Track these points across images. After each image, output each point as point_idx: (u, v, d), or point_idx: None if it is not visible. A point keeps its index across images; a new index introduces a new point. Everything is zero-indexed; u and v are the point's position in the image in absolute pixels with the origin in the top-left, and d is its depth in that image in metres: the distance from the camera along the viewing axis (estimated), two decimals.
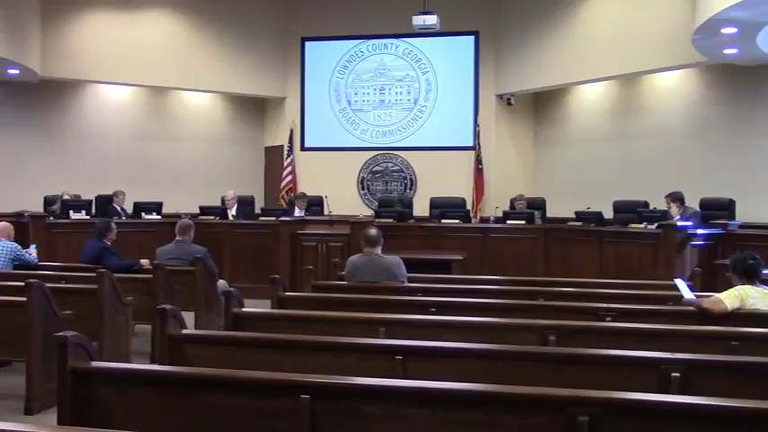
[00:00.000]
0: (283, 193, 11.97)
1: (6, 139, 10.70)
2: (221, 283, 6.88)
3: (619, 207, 8.55)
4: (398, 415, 2.48)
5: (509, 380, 2.70)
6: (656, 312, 4.41)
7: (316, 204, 10.48)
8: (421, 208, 10.87)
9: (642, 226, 7.62)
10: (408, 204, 10.75)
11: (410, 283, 5.52)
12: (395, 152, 11.97)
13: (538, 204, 10.20)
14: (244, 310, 4.09)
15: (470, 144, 11.50)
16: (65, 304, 4.81)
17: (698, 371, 2.88)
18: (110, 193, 9.84)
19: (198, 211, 9.83)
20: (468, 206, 10.85)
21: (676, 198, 7.82)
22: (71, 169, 11.03)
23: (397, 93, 11.98)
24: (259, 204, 11.78)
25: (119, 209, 9.60)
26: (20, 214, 8.33)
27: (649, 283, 6.05)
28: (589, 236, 8.22)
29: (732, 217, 8.13)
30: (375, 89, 12.06)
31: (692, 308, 4.23)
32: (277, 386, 2.60)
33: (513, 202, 10.19)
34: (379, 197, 11.68)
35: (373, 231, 5.56)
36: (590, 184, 10.59)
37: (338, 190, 11.13)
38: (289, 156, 12.08)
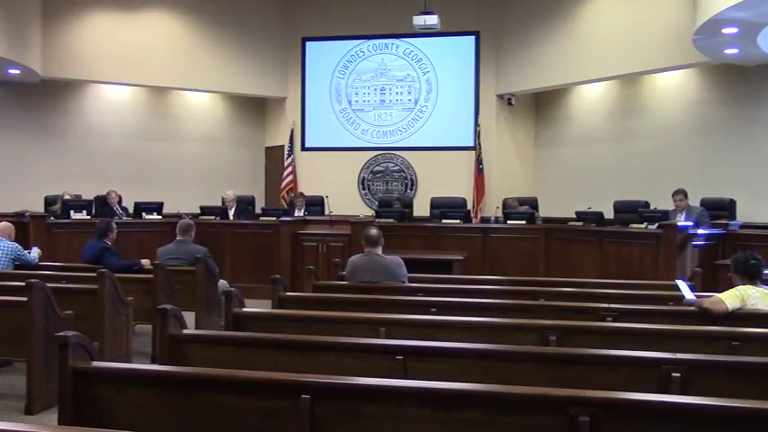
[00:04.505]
0: (284, 193, 11.97)
1: (7, 139, 10.71)
2: (222, 283, 6.88)
3: (619, 207, 8.54)
4: (399, 415, 2.48)
5: (509, 380, 2.70)
6: (657, 312, 4.41)
7: (316, 204, 10.49)
8: (421, 208, 10.88)
9: (643, 226, 7.62)
10: (408, 204, 10.75)
11: (411, 283, 5.53)
12: (395, 152, 11.97)
13: (531, 204, 10.19)
14: (244, 310, 4.09)
15: (471, 144, 11.50)
16: (65, 304, 4.81)
17: (698, 371, 2.88)
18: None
19: (198, 211, 9.84)
20: (469, 206, 10.86)
21: (686, 195, 7.87)
22: (72, 169, 11.04)
23: (397, 93, 11.99)
24: (260, 204, 11.79)
25: (115, 209, 9.60)
26: (20, 214, 8.34)
27: (650, 283, 6.06)
28: (590, 236, 8.22)
29: (733, 217, 8.13)
30: (376, 89, 12.06)
31: (692, 308, 4.23)
32: (277, 386, 2.60)
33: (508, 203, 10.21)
34: (379, 197, 11.69)
35: (374, 231, 5.56)
36: (591, 184, 10.59)
37: (339, 190, 11.14)
38: (289, 156, 12.09)
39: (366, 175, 12.11)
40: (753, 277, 4.20)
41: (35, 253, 6.65)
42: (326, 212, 10.20)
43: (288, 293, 4.91)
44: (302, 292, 5.46)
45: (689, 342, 3.52)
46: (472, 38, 11.63)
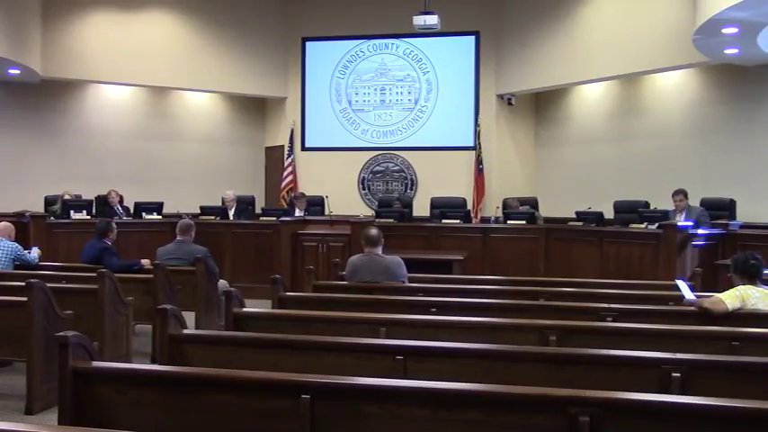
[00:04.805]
0: (284, 193, 11.98)
1: (7, 139, 10.71)
2: (222, 283, 6.88)
3: (619, 207, 8.54)
4: (399, 415, 2.48)
5: (509, 380, 2.70)
6: (657, 312, 4.41)
7: (316, 204, 10.49)
8: (421, 208, 10.88)
9: (643, 226, 7.62)
10: (407, 204, 10.75)
11: (411, 283, 5.52)
12: (395, 152, 11.98)
13: (531, 204, 10.19)
14: (244, 310, 4.09)
15: (471, 144, 11.50)
16: (65, 304, 4.81)
17: (698, 371, 2.88)
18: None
19: (198, 211, 9.84)
20: (469, 206, 10.86)
21: (686, 195, 7.88)
22: (72, 169, 11.04)
23: (397, 93, 11.99)
24: (260, 204, 11.79)
25: (116, 209, 9.60)
26: (20, 214, 8.34)
27: (650, 283, 6.06)
28: (590, 236, 8.21)
29: (733, 217, 8.13)
30: (376, 89, 12.06)
31: (692, 308, 4.23)
32: (277, 386, 2.60)
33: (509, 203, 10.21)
34: (379, 197, 11.69)
35: (374, 231, 5.56)
36: (591, 184, 10.59)
37: (339, 190, 11.14)
38: (289, 156, 12.09)
39: (366, 175, 12.11)
40: (753, 277, 4.20)
41: (35, 253, 6.65)
42: (326, 212, 10.20)
43: (288, 293, 4.91)
44: (302, 292, 5.46)
45: (689, 342, 3.52)
46: (472, 38, 11.63)
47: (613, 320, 4.15)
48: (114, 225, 6.88)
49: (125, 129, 11.73)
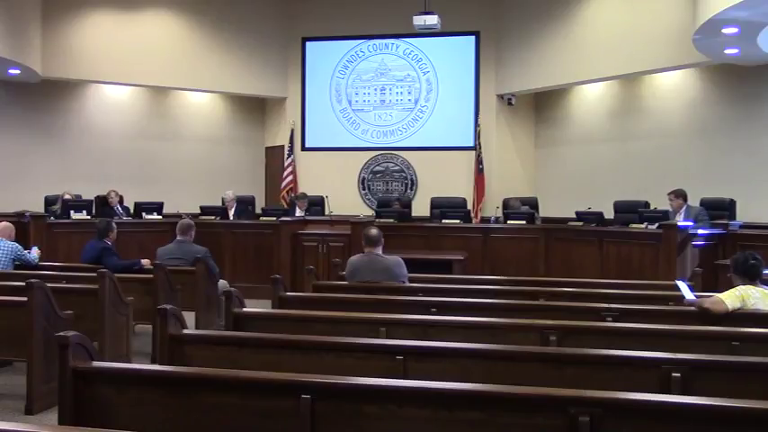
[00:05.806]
0: (284, 193, 11.98)
1: (7, 139, 10.71)
2: (222, 283, 6.88)
3: (619, 207, 8.54)
4: (399, 415, 2.48)
5: (510, 380, 2.69)
6: (657, 312, 4.40)
7: (316, 204, 10.50)
8: (422, 208, 10.88)
9: (643, 226, 7.62)
10: (407, 204, 10.75)
11: (411, 283, 5.52)
12: (395, 152, 11.98)
13: (531, 204, 10.19)
14: (244, 310, 4.09)
15: (471, 144, 11.50)
16: (66, 304, 4.81)
17: (699, 371, 2.88)
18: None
19: (198, 211, 9.84)
20: (469, 206, 10.85)
21: (679, 195, 7.87)
22: (72, 169, 11.04)
23: (397, 93, 11.98)
24: (260, 204, 11.79)
25: (116, 209, 9.60)
26: (21, 214, 8.34)
27: (650, 283, 6.06)
28: (590, 236, 8.21)
29: (733, 217, 8.13)
30: (376, 89, 12.06)
31: (692, 308, 4.22)
32: (278, 386, 2.60)
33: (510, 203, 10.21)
34: (379, 197, 11.69)
35: (374, 231, 5.55)
36: (591, 184, 10.59)
37: (339, 190, 11.15)
38: (289, 156, 12.09)
39: (366, 175, 12.11)
40: (753, 277, 4.19)
41: (35, 253, 6.65)
42: (326, 212, 10.21)
43: (288, 293, 4.91)
44: (302, 292, 5.46)
45: (689, 342, 3.51)
46: (472, 38, 11.63)
47: (613, 320, 4.15)
48: (114, 225, 6.87)
49: (125, 129, 11.74)
